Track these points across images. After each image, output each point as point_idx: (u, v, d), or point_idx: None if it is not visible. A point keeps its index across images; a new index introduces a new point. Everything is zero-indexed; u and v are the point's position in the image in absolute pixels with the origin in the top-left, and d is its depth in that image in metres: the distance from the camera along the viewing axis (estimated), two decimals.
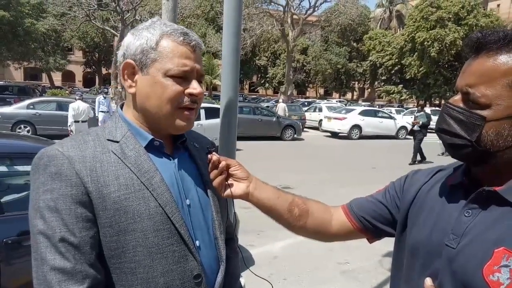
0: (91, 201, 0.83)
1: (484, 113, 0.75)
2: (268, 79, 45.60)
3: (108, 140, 0.90)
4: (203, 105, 9.49)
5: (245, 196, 1.04)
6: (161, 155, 0.95)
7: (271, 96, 45.87)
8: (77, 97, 10.39)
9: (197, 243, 0.95)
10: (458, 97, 0.80)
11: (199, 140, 1.11)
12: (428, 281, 0.79)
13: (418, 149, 11.53)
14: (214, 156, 0.99)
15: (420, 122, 11.56)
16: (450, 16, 33.39)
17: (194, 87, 0.92)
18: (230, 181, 1.03)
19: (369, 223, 1.05)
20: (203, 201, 1.00)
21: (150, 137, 0.93)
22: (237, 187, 1.03)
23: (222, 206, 1.06)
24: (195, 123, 1.06)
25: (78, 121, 9.59)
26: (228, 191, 1.02)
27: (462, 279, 0.74)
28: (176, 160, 0.97)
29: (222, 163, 1.00)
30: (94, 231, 0.82)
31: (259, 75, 47.79)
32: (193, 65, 0.91)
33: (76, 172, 0.82)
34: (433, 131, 0.90)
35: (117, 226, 0.83)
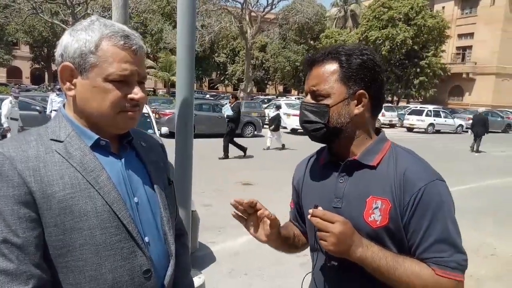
0: (35, 201, 0.82)
1: (327, 101, 1.05)
2: (227, 76, 45.45)
3: (52, 139, 0.89)
4: None
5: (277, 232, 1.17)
6: (107, 154, 0.95)
7: (230, 93, 45.69)
8: (13, 94, 10.13)
9: (146, 239, 0.96)
10: (308, 97, 1.10)
11: (146, 139, 1.11)
12: (310, 210, 1.00)
13: (226, 144, 10.51)
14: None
15: (225, 115, 10.78)
16: (401, 16, 34.98)
17: (136, 92, 0.92)
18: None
19: (298, 225, 1.32)
20: (151, 198, 1.01)
21: (96, 136, 0.93)
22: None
23: (170, 203, 1.07)
24: None
25: (14, 119, 9.33)
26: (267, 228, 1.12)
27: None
28: (123, 159, 0.97)
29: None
30: (38, 231, 0.82)
31: (219, 72, 47.46)
32: (134, 69, 0.91)
33: (18, 173, 0.81)
34: None
35: (62, 225, 0.83)
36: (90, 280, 0.86)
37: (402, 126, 23.70)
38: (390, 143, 1.10)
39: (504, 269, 4.43)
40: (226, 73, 45.28)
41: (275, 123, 12.54)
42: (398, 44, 34.36)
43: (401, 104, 37.26)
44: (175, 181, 1.89)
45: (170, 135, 9.70)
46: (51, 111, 11.38)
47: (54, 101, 11.43)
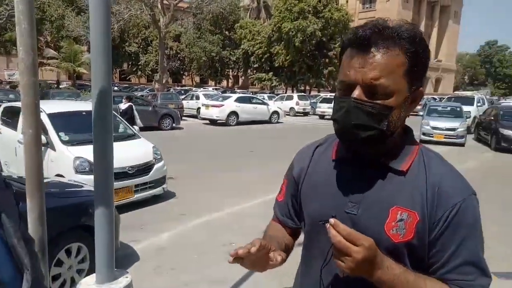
0: None
1: (391, 102, 0.84)
2: (140, 66, 43.26)
3: None
4: None
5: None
6: None
7: (144, 84, 43.69)
8: None
9: None
10: (358, 91, 0.84)
11: None
12: (332, 220, 0.81)
13: None
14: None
15: None
16: (310, 9, 36.71)
17: None
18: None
19: (291, 221, 1.14)
20: None
21: None
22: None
23: (11, 211, 0.94)
24: None
25: None
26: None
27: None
28: None
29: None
30: None
31: (130, 63, 44.91)
32: None
33: None
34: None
35: None
36: None
37: (314, 114, 25.07)
38: (418, 145, 0.95)
39: None
40: (139, 63, 43.02)
41: (127, 117, 10.63)
42: (309, 35, 36.08)
43: (313, 93, 39.36)
44: (95, 179, 1.77)
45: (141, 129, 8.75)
46: None
47: None
